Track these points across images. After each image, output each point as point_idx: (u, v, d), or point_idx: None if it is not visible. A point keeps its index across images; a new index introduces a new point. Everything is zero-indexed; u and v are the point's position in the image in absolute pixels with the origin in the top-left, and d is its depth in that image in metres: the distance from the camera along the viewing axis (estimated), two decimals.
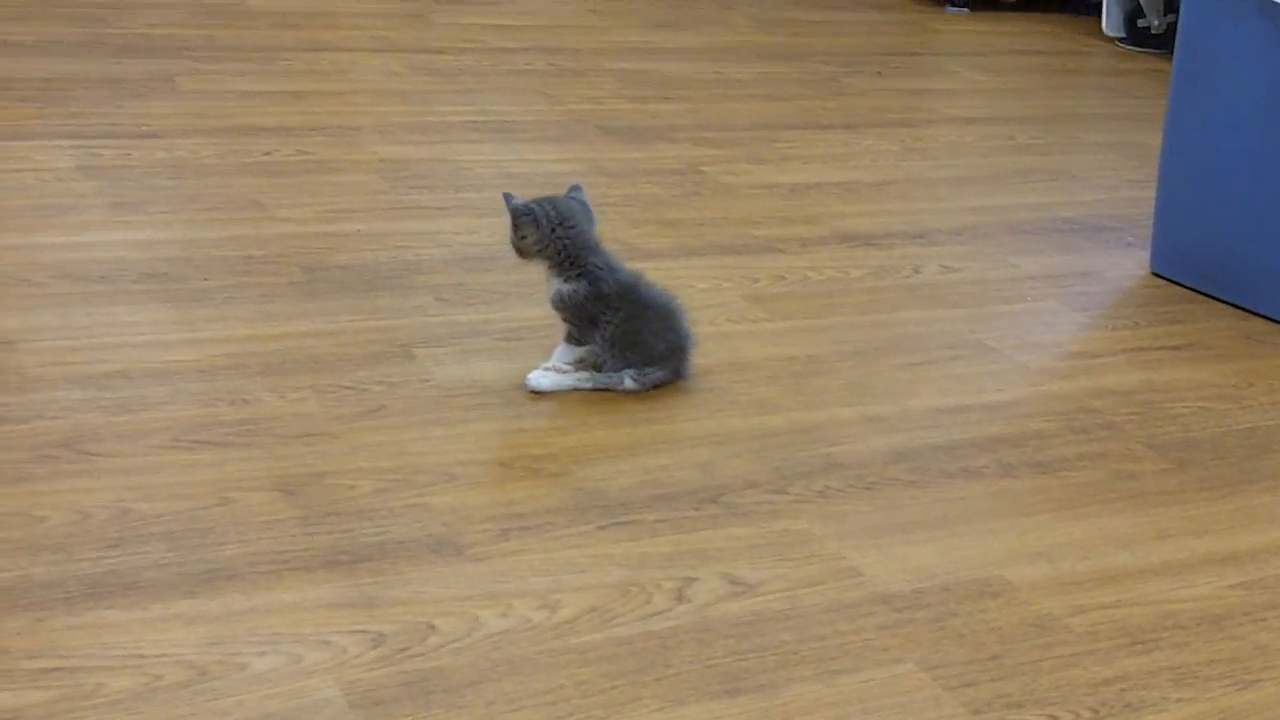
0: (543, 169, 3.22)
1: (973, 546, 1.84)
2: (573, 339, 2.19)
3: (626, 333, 2.15)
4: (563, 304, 2.16)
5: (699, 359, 2.24)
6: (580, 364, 2.19)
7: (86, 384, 2.06)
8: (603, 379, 2.17)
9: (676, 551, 1.78)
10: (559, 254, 2.16)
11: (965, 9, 5.60)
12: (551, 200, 2.18)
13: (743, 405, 2.17)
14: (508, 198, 2.17)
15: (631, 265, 2.65)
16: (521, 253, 2.18)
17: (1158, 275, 2.87)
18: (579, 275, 2.15)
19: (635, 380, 2.16)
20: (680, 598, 1.68)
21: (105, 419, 1.97)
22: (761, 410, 2.16)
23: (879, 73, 4.48)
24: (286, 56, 4.01)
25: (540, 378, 2.16)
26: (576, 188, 2.24)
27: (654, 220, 2.95)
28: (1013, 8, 5.78)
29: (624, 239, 2.82)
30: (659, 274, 2.64)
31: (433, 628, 1.59)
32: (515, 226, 2.16)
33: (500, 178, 3.13)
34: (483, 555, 1.74)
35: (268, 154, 3.14)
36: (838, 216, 3.06)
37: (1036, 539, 1.88)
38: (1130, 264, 2.93)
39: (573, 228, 2.16)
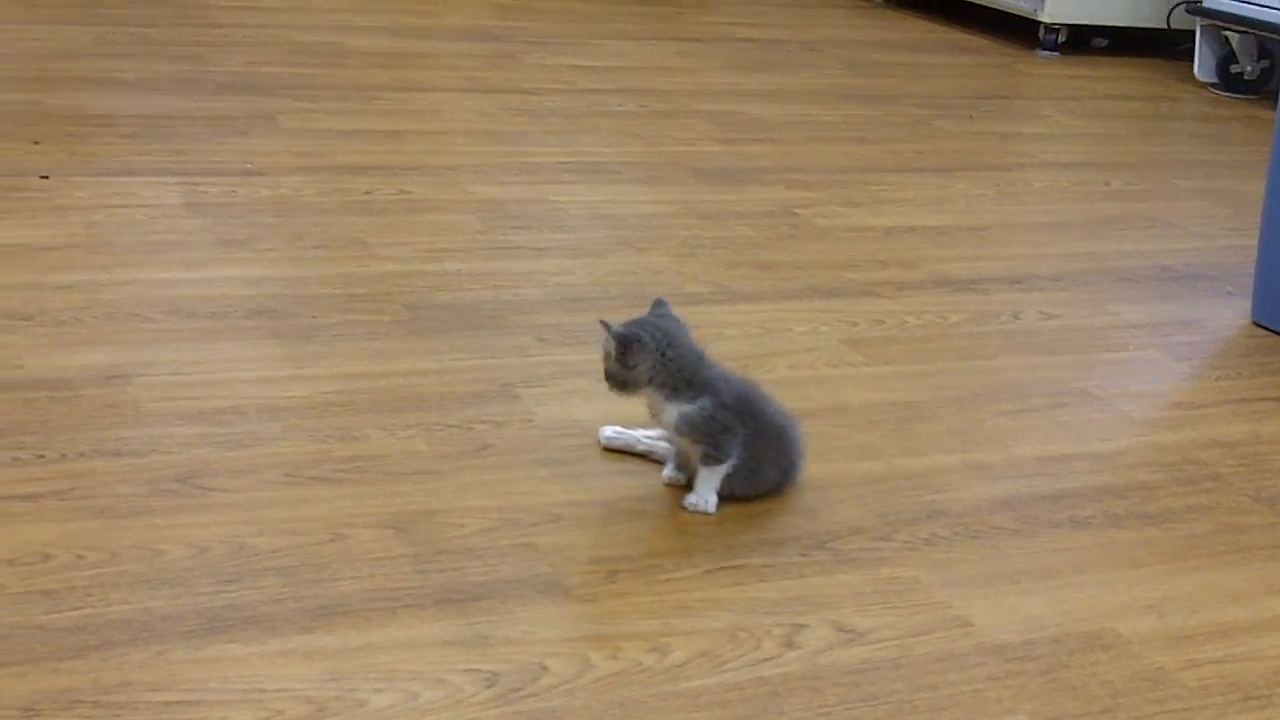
0: (637, 210, 3.25)
1: (1082, 598, 1.83)
2: (712, 459, 1.96)
3: (748, 459, 1.97)
4: (693, 427, 1.95)
5: (800, 402, 2.24)
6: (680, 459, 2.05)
7: (200, 419, 2.10)
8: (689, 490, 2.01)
9: (784, 597, 1.78)
10: (674, 375, 1.95)
11: (1056, 53, 5.59)
12: (650, 322, 1.98)
13: (845, 451, 2.18)
14: (606, 325, 1.96)
15: (728, 308, 2.69)
16: (627, 385, 1.96)
17: (1259, 325, 2.85)
18: (701, 392, 1.95)
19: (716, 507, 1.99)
20: (790, 644, 1.69)
21: (219, 454, 2.00)
22: (864, 456, 2.16)
23: (971, 116, 4.48)
24: (383, 96, 4.07)
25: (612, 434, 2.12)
26: (660, 303, 2.04)
27: (748, 263, 2.96)
28: (1103, 52, 5.76)
29: (719, 281, 2.83)
30: (755, 317, 2.66)
31: (545, 668, 1.61)
32: (623, 355, 1.93)
33: (595, 218, 3.16)
34: (590, 596, 1.75)
35: (368, 193, 3.18)
36: (934, 260, 3.06)
37: (1146, 591, 1.86)
38: (1230, 313, 2.91)
39: (680, 345, 1.96)
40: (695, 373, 1.96)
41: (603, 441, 2.12)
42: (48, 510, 1.83)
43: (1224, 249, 3.33)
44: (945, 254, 3.12)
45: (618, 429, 2.13)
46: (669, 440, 2.05)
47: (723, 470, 1.97)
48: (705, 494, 1.98)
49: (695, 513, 1.97)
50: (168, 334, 2.37)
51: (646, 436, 2.11)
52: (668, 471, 2.04)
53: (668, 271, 2.87)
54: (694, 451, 1.98)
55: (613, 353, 1.95)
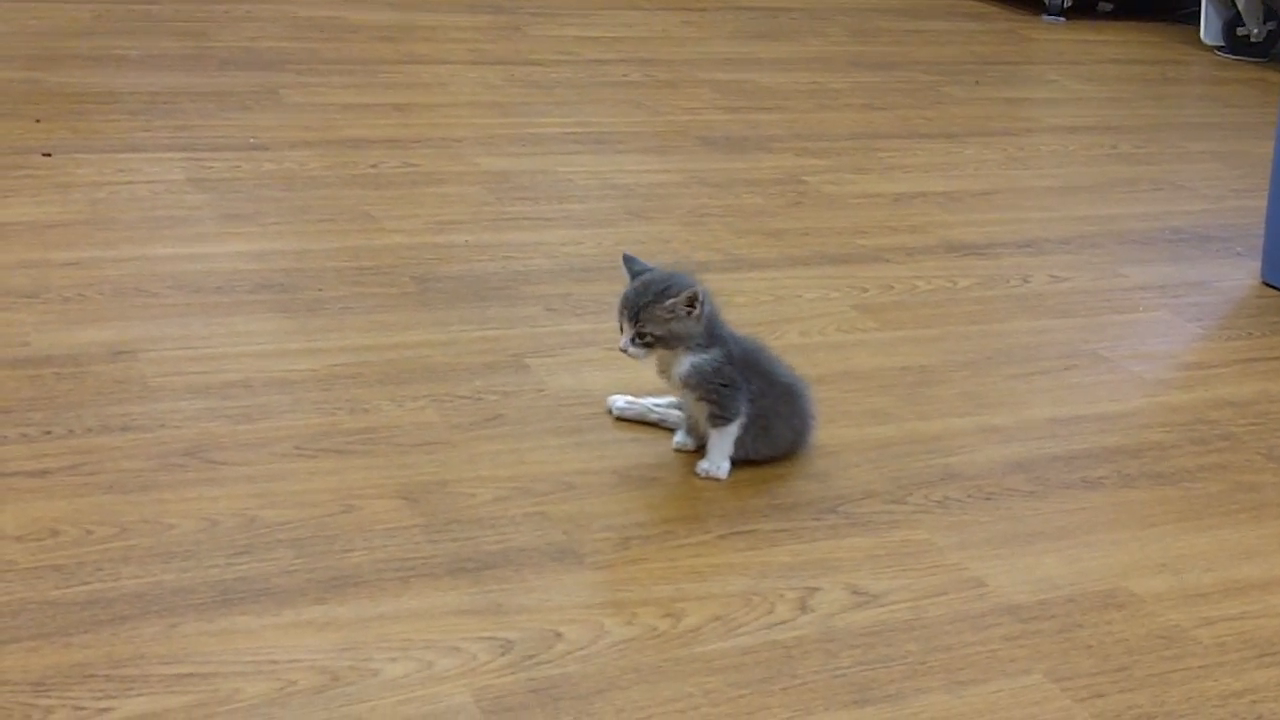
0: (644, 180, 3.23)
1: (1096, 557, 1.83)
2: (719, 419, 1.94)
3: (757, 417, 1.95)
4: (703, 377, 1.92)
5: (811, 368, 2.23)
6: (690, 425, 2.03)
7: (208, 393, 2.09)
8: (698, 453, 2.00)
9: (797, 561, 1.78)
10: (707, 326, 1.92)
11: (1061, 18, 5.56)
12: (681, 274, 1.94)
13: (857, 415, 2.17)
14: (680, 278, 1.91)
15: (738, 275, 2.68)
16: (674, 339, 1.90)
17: (1269, 285, 2.83)
18: (710, 343, 1.93)
19: (728, 472, 1.97)
20: (804, 607, 1.68)
21: (228, 428, 2.00)
22: (876, 420, 2.16)
23: (977, 82, 4.45)
24: (387, 69, 4.05)
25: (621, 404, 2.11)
26: (631, 259, 2.02)
27: (758, 230, 2.95)
28: (1109, 17, 5.73)
29: (728, 249, 2.82)
30: (766, 284, 2.65)
31: (559, 635, 1.60)
32: (691, 308, 1.89)
33: (602, 188, 3.14)
34: (604, 563, 1.75)
35: (374, 166, 3.17)
36: (943, 226, 3.05)
37: (1159, 550, 1.86)
38: (1240, 274, 2.90)
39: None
40: (713, 324, 1.93)
41: (614, 411, 2.12)
42: (56, 486, 1.83)
43: (1233, 210, 3.31)
44: (954, 219, 3.11)
45: (629, 398, 2.12)
46: (679, 408, 2.04)
47: (732, 432, 1.95)
48: (717, 459, 1.96)
49: (707, 478, 1.96)
50: (174, 309, 2.37)
51: (657, 405, 2.10)
52: (679, 438, 2.04)
53: (676, 240, 2.86)
54: (701, 411, 1.97)
55: (679, 307, 1.88)
